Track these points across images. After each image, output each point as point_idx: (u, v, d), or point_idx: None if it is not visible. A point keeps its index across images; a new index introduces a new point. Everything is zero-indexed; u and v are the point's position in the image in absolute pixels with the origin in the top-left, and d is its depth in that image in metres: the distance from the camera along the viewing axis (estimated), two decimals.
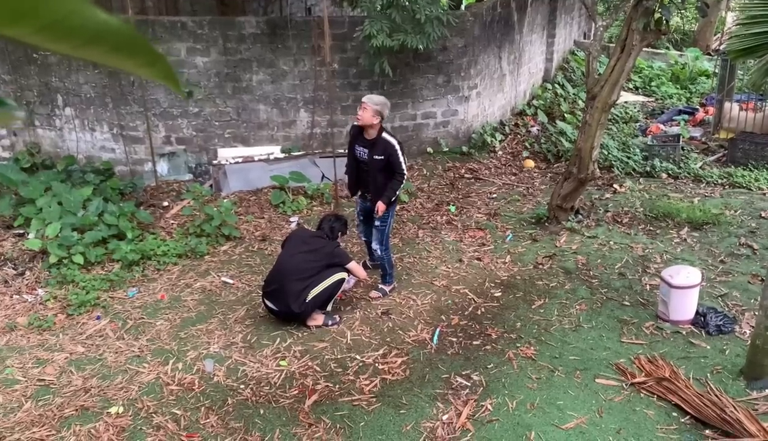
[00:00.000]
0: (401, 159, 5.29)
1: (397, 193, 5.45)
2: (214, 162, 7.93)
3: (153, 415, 4.30)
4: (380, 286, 5.74)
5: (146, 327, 5.35)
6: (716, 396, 4.13)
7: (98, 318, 5.49)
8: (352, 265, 5.35)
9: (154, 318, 5.48)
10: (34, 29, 0.60)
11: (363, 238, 6.00)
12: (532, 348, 4.90)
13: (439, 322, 5.28)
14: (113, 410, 4.33)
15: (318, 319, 5.25)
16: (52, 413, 4.32)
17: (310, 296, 5.08)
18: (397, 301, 5.62)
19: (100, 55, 0.64)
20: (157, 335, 5.23)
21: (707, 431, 3.96)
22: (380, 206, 5.31)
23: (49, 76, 8.20)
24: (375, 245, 5.59)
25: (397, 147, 5.26)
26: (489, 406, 4.28)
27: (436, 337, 5.02)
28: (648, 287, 5.73)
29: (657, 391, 4.32)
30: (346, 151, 5.62)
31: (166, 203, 7.64)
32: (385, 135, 5.24)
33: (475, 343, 5.01)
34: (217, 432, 4.14)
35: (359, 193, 5.67)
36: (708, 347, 4.84)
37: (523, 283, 5.92)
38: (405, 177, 5.38)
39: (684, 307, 5.11)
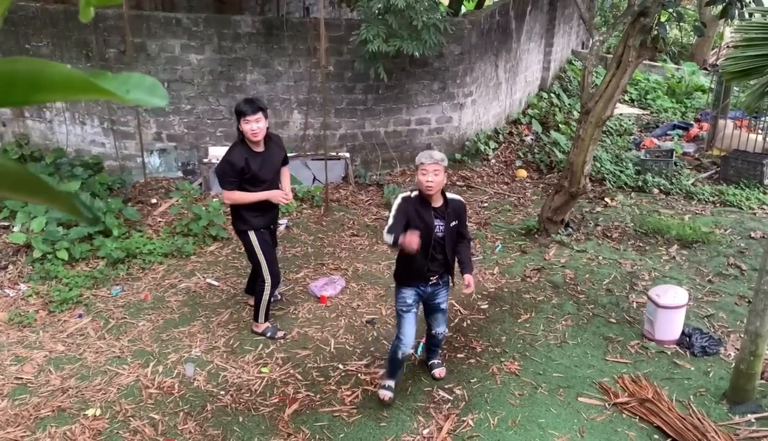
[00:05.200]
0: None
1: None
2: (205, 160, 7.87)
3: (130, 418, 4.25)
4: (437, 361, 4.77)
5: (128, 327, 5.29)
6: (698, 419, 4.12)
7: (80, 316, 5.43)
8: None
9: (137, 318, 5.42)
10: None
11: (404, 344, 4.23)
12: (516, 363, 4.87)
13: (424, 333, 5.24)
14: (90, 412, 4.28)
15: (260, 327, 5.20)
16: (28, 413, 4.26)
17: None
18: (382, 312, 5.58)
19: (3, 194, 0.69)
20: (138, 336, 5.17)
21: None
22: (472, 281, 4.23)
23: None
24: (442, 328, 4.49)
25: (464, 203, 4.31)
26: (470, 422, 4.25)
27: (420, 349, 4.98)
28: (635, 305, 5.71)
29: (639, 412, 4.30)
30: (395, 222, 4.00)
31: (154, 200, 7.57)
32: (449, 195, 4.14)
33: (459, 355, 4.98)
34: (195, 438, 4.09)
35: (421, 280, 4.23)
36: (692, 369, 4.83)
37: (510, 295, 5.89)
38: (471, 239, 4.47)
39: (670, 327, 5.10)
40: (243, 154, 4.66)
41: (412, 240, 3.85)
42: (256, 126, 4.60)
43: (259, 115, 4.61)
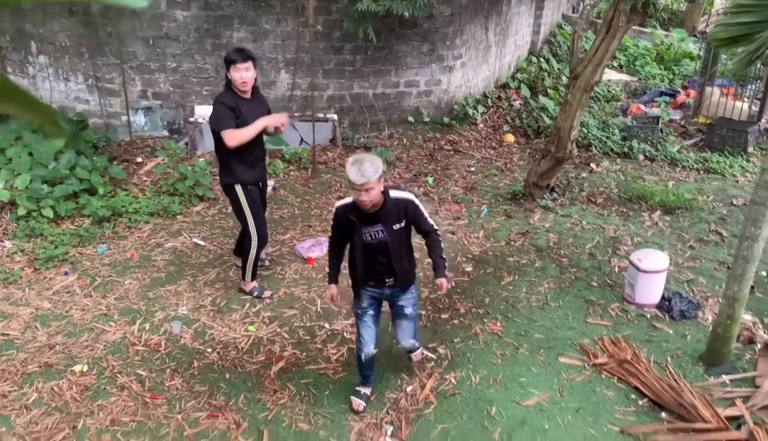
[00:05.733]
0: (425, 211, 3.88)
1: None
2: (191, 119, 7.80)
3: (117, 374, 4.30)
4: (415, 355, 4.43)
5: (114, 285, 5.31)
6: (675, 380, 4.23)
7: (66, 273, 5.44)
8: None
9: (123, 276, 5.43)
10: None
11: (366, 346, 3.98)
12: (498, 324, 4.96)
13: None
14: (77, 368, 4.32)
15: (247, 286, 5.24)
16: (15, 369, 4.30)
17: None
18: None
19: None
20: (125, 294, 5.20)
21: (664, 414, 4.07)
22: (444, 283, 3.87)
23: (23, 22, 7.94)
24: (409, 343, 4.15)
25: (414, 198, 3.83)
26: (453, 380, 4.34)
27: None
28: (617, 269, 5.80)
29: (618, 373, 4.41)
30: (333, 237, 3.96)
31: (139, 159, 7.51)
32: (393, 194, 3.73)
33: (443, 316, 5.05)
34: (182, 394, 4.16)
35: (371, 281, 3.90)
36: (671, 332, 4.94)
37: (495, 259, 5.96)
38: (438, 231, 4.00)
39: (650, 290, 5.19)
40: (233, 98, 4.68)
41: (333, 300, 4.03)
42: (245, 74, 4.62)
43: (249, 63, 4.63)
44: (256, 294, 5.19)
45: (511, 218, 6.80)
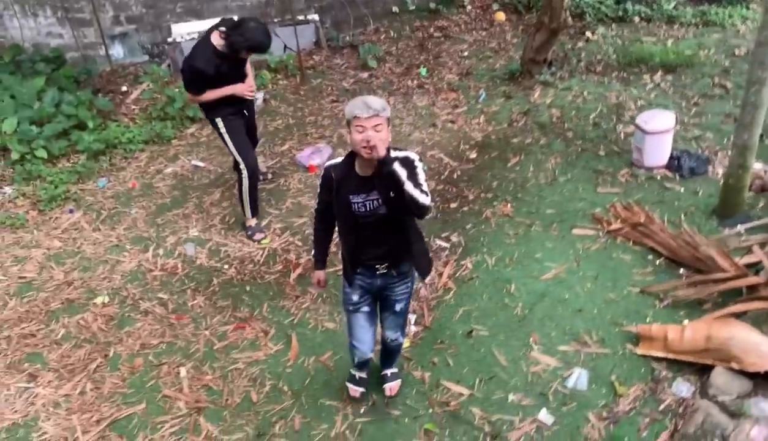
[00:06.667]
0: (423, 174, 2.87)
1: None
2: (169, 40, 7.52)
3: (139, 301, 4.35)
4: (391, 372, 3.63)
5: (121, 216, 5.29)
6: (690, 236, 4.23)
7: (71, 211, 5.41)
8: None
9: (128, 207, 5.40)
10: None
11: (360, 350, 3.29)
12: (509, 205, 4.94)
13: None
14: (99, 300, 4.37)
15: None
16: (39, 308, 4.35)
17: None
18: None
19: None
20: (133, 223, 5.18)
21: (682, 270, 4.10)
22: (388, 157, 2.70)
23: None
24: (394, 333, 3.32)
25: (416, 157, 2.88)
26: (469, 265, 4.37)
27: None
28: (623, 135, 5.71)
29: (632, 237, 4.42)
30: (320, 206, 3.13)
31: (124, 88, 7.31)
32: (393, 153, 2.74)
33: (452, 206, 5.03)
34: (206, 312, 4.21)
35: (359, 267, 3.10)
36: (682, 190, 4.91)
37: (498, 142, 5.87)
38: (430, 204, 2.83)
39: (658, 151, 5.12)
40: (213, 61, 4.35)
41: (319, 285, 3.33)
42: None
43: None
44: (249, 233, 4.90)
45: (510, 99, 6.64)
